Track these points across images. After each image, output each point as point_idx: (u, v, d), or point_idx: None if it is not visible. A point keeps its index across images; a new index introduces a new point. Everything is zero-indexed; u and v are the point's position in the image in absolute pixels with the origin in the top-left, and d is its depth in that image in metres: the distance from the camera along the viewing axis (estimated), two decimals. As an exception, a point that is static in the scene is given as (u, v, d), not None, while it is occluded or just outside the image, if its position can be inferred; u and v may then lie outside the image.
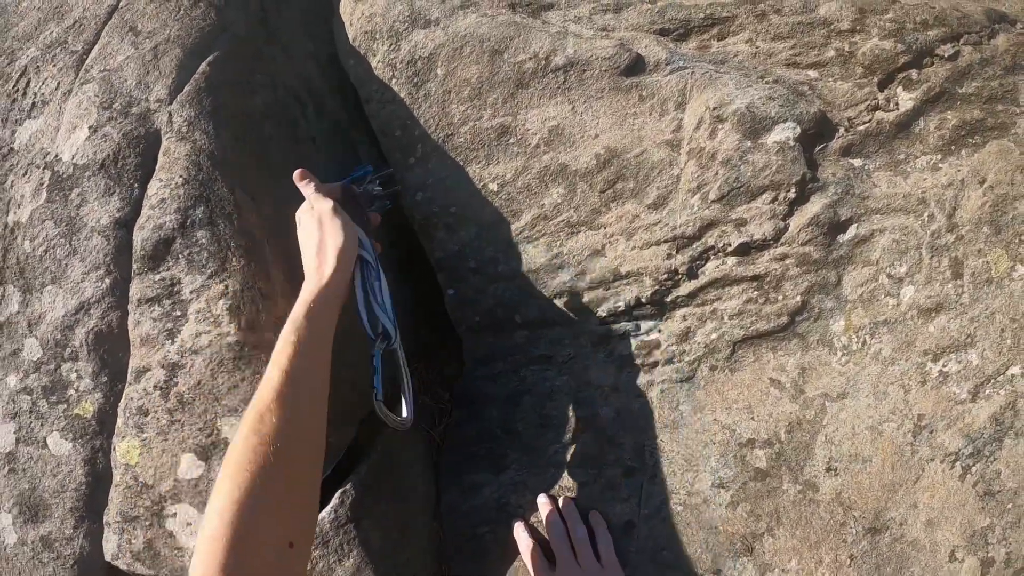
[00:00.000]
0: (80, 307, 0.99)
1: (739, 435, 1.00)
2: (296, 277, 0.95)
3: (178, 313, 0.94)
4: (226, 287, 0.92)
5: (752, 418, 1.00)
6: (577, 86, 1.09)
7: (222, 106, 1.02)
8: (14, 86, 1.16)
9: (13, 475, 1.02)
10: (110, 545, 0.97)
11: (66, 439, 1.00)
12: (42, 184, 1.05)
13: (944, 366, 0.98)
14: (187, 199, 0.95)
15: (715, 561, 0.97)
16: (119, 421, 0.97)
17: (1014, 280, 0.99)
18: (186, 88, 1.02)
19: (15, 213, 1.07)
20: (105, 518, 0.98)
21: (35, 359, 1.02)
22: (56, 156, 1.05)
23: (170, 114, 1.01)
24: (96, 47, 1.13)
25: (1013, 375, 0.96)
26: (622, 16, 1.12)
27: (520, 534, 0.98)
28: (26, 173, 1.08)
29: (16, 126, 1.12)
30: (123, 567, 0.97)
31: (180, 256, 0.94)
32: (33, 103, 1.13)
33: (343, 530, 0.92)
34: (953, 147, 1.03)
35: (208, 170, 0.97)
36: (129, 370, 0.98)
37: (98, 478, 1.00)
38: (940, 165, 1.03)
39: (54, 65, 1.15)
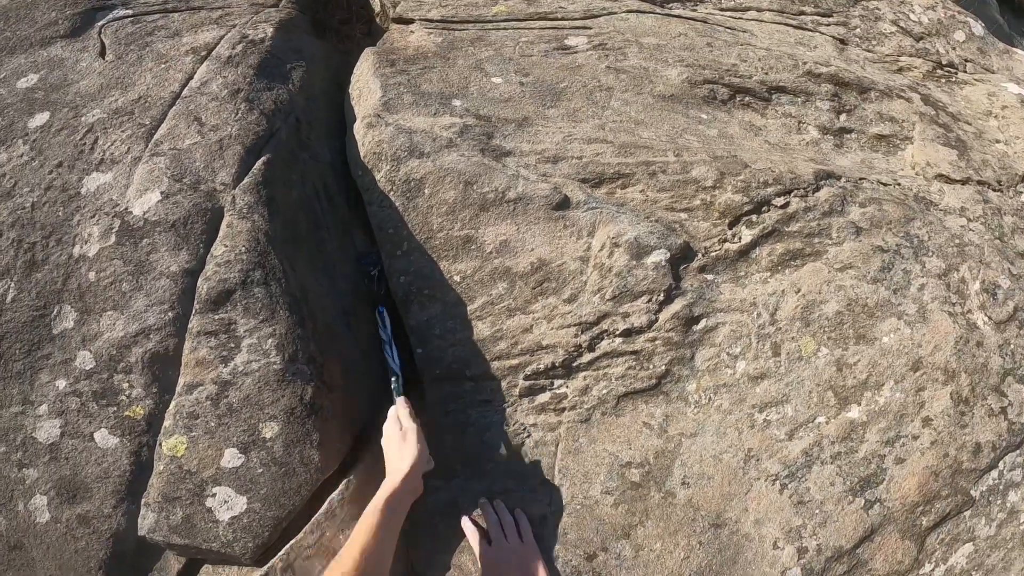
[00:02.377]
0: (141, 331, 1.25)
1: (621, 459, 1.35)
2: (322, 329, 1.28)
3: (232, 345, 1.24)
4: (274, 330, 1.25)
5: (630, 448, 1.36)
6: (522, 214, 1.43)
7: (274, 198, 1.35)
8: (81, 139, 1.40)
9: (54, 463, 1.23)
10: (147, 521, 1.20)
11: (114, 435, 1.24)
12: (111, 229, 1.30)
13: (767, 416, 1.36)
14: (248, 264, 1.26)
15: (603, 542, 1.32)
16: (167, 423, 1.23)
17: (819, 358, 1.39)
18: (246, 180, 1.34)
19: (81, 247, 1.30)
20: (144, 500, 1.22)
21: (87, 368, 1.25)
22: (126, 209, 1.31)
23: (234, 197, 1.32)
24: (164, 126, 1.40)
25: (819, 422, 1.35)
26: (557, 166, 1.48)
27: (466, 524, 1.32)
28: (94, 216, 1.32)
29: (83, 174, 1.36)
30: (159, 539, 1.20)
31: (239, 304, 1.25)
32: (102, 159, 1.37)
33: (346, 507, 1.24)
34: (779, 267, 1.45)
35: (264, 244, 1.29)
36: (179, 385, 1.24)
37: (141, 468, 1.24)
38: (769, 280, 1.44)
39: (122, 131, 1.40)
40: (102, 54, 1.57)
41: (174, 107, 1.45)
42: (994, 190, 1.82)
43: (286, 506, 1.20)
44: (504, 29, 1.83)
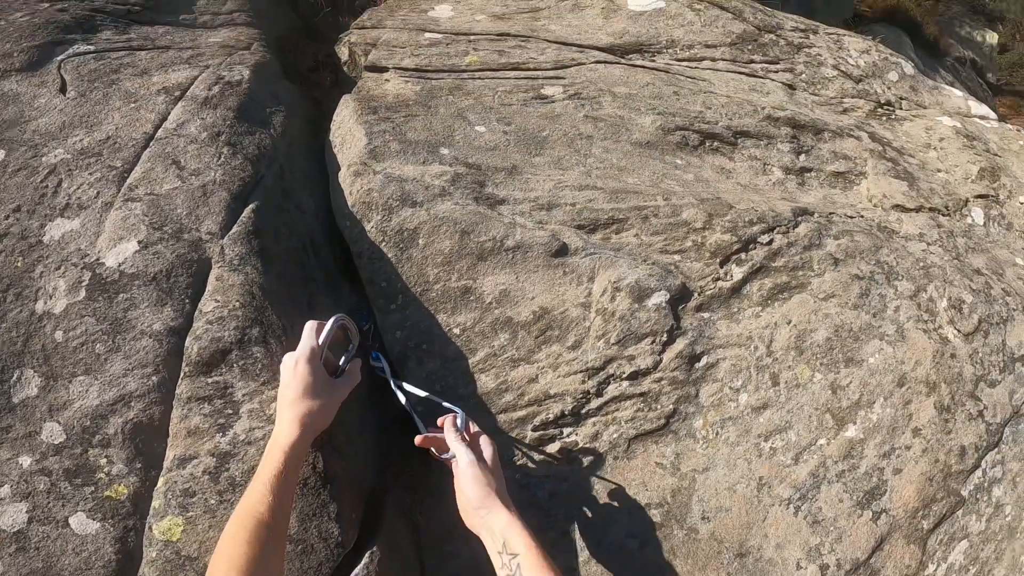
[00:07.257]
0: (120, 399, 1.12)
1: (639, 501, 1.34)
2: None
3: (230, 411, 1.13)
4: (276, 393, 1.13)
5: (647, 489, 1.35)
6: (521, 262, 1.42)
7: (266, 248, 1.26)
8: (42, 181, 1.28)
9: (22, 554, 1.06)
10: (143, 623, 1.04)
11: (93, 519, 1.09)
12: (80, 283, 1.18)
13: (773, 443, 1.41)
14: (245, 320, 1.16)
15: (633, 587, 1.28)
16: (156, 503, 1.09)
17: (814, 383, 1.46)
18: (235, 228, 1.25)
19: (45, 303, 1.17)
20: (137, 595, 1.06)
21: (56, 443, 1.11)
22: (97, 260, 1.20)
23: (222, 247, 1.23)
24: (138, 169, 1.30)
25: (820, 444, 1.42)
26: (552, 214, 1.49)
27: (450, 439, 1.20)
28: (59, 268, 1.20)
29: (47, 220, 1.24)
30: (162, 641, 1.03)
31: (235, 365, 1.14)
32: (67, 203, 1.25)
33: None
34: (769, 301, 1.52)
35: (260, 299, 1.20)
36: (169, 458, 1.11)
37: (129, 556, 1.08)
38: (761, 314, 1.51)
39: (90, 173, 1.29)
40: (63, 90, 1.45)
41: (148, 149, 1.34)
42: (943, 215, 1.98)
43: (306, 590, 1.08)
44: (480, 79, 1.83)
